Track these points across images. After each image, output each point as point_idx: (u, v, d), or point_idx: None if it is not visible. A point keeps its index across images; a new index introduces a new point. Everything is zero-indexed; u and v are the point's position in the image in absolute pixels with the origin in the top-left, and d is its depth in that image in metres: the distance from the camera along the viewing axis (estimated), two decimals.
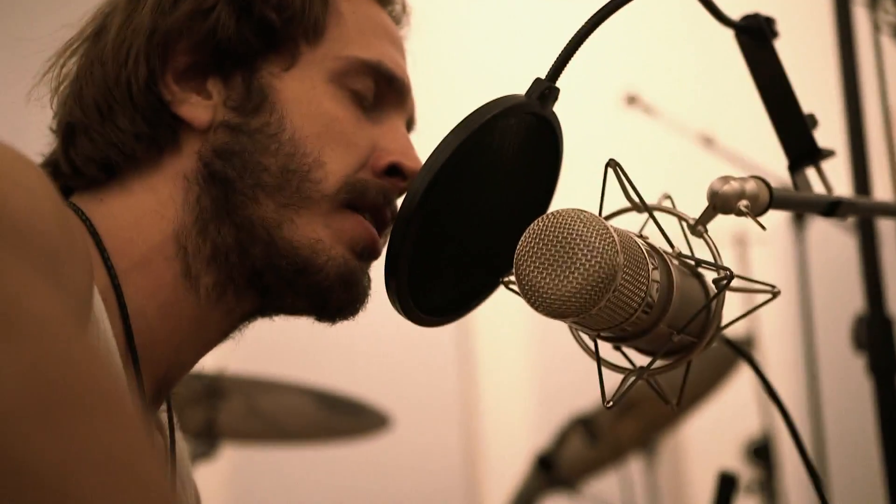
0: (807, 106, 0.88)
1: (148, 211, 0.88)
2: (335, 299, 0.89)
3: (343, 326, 0.92)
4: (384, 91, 0.93)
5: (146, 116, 0.89)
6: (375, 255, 0.91)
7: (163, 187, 0.89)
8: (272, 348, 0.93)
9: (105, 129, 0.88)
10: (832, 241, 2.19)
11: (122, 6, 0.91)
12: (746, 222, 0.80)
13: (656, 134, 2.63)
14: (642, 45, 3.77)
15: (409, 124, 0.98)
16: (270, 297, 0.90)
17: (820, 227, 2.31)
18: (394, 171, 0.91)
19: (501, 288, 0.80)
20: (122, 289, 0.83)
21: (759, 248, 3.07)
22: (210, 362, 1.21)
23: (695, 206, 0.81)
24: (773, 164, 0.90)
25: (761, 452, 2.43)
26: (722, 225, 0.80)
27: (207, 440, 1.99)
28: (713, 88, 3.27)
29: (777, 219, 2.79)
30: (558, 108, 0.79)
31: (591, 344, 0.79)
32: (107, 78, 0.90)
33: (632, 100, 2.63)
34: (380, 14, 0.97)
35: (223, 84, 0.91)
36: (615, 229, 0.70)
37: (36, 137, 0.96)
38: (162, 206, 0.88)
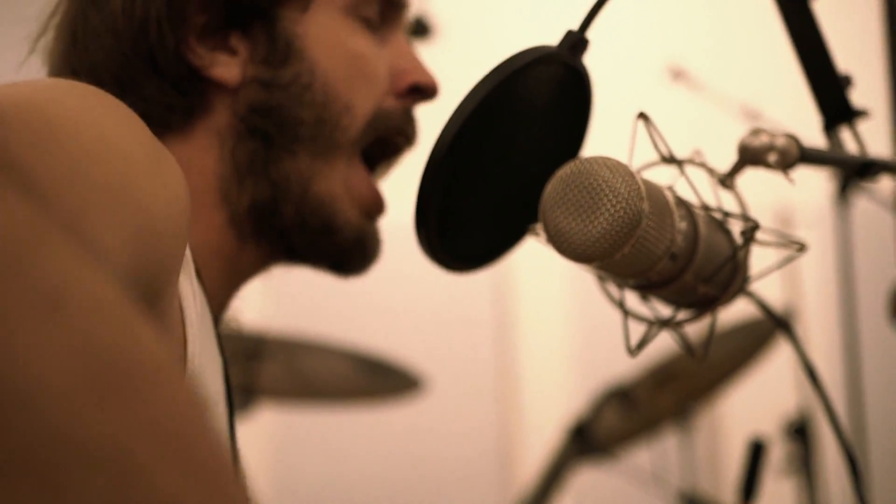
0: (848, 66, 0.88)
1: (184, 161, 0.87)
2: (351, 260, 0.94)
3: (385, 291, 0.97)
4: (386, 10, 0.95)
5: (177, 85, 0.87)
6: (382, 212, 0.95)
7: (196, 140, 0.89)
8: (312, 309, 0.96)
9: (128, 102, 0.82)
10: (878, 221, 2.17)
11: None
12: (792, 203, 0.80)
13: (700, 108, 2.61)
14: (686, 18, 3.74)
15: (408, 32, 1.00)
16: (294, 255, 0.94)
17: (864, 208, 2.29)
18: (413, 89, 0.94)
19: (540, 255, 0.81)
20: None
21: (804, 229, 3.05)
22: (252, 323, 1.23)
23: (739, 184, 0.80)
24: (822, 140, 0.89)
25: (799, 430, 2.42)
26: (766, 204, 0.80)
27: (246, 398, 2.02)
28: (761, 63, 3.24)
29: (822, 200, 2.78)
30: (600, 80, 0.80)
31: (617, 296, 0.80)
32: (123, 49, 0.85)
33: (677, 74, 2.62)
34: None
35: (245, 38, 0.89)
36: (642, 178, 0.71)
37: None
38: (197, 156, 0.89)
